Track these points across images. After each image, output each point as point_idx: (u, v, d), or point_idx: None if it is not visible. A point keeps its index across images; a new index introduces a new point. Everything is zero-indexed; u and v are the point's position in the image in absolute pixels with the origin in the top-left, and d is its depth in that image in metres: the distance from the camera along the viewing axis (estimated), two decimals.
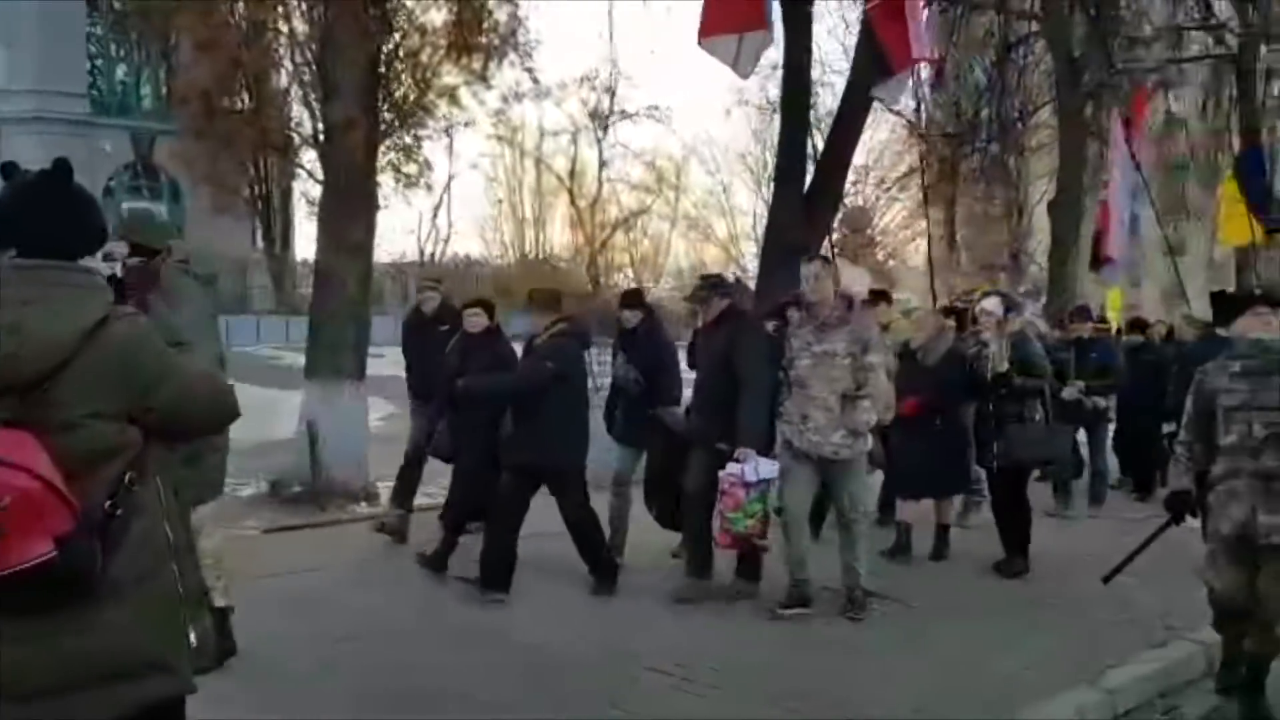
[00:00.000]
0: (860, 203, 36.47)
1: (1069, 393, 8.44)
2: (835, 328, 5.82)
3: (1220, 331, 5.57)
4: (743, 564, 6.27)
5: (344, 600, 6.18)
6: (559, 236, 40.98)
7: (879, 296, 8.52)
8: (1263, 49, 17.70)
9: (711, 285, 6.34)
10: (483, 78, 21.85)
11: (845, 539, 5.99)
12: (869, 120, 11.90)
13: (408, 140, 22.65)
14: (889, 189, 33.11)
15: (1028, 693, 4.73)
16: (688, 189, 39.22)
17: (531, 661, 5.13)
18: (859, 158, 32.03)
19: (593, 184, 36.58)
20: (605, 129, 33.54)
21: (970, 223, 32.04)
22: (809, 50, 11.33)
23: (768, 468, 5.82)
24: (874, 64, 10.17)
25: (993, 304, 7.23)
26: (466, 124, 22.15)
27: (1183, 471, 4.77)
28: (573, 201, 35.54)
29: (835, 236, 35.94)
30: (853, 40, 12.86)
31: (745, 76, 9.60)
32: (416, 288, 8.24)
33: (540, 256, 39.16)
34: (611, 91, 31.84)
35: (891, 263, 38.65)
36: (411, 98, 19.90)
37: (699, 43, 9.42)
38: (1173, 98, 20.26)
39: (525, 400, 6.11)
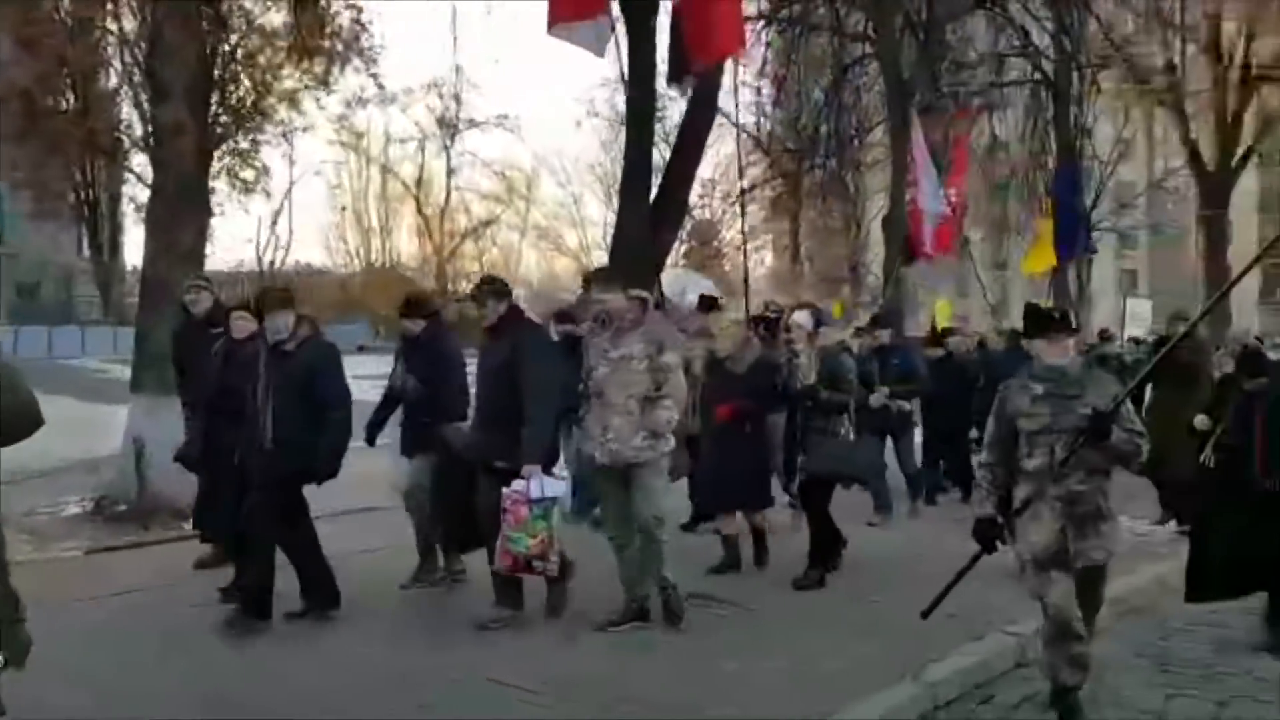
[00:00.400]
0: (707, 215, 37.22)
1: (875, 399, 8.51)
2: (629, 331, 5.69)
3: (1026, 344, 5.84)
4: (553, 585, 5.93)
5: (164, 620, 5.92)
6: (406, 245, 40.39)
7: (710, 304, 8.50)
8: (1075, 75, 18.93)
9: (490, 288, 5.88)
10: (325, 82, 21.30)
11: (646, 546, 5.73)
12: (716, 135, 12.16)
13: (245, 145, 21.83)
14: (734, 202, 33.77)
15: (856, 688, 4.89)
16: (538, 199, 39.27)
17: (362, 675, 5.03)
18: (706, 171, 32.79)
19: (441, 192, 36.24)
20: (453, 137, 33.32)
21: (813, 236, 33.08)
22: (653, 63, 11.53)
23: (553, 485, 5.59)
24: (674, 56, 10.16)
25: (803, 317, 7.21)
26: (305, 129, 21.49)
27: (985, 496, 4.66)
28: (420, 210, 35.09)
29: (683, 248, 36.62)
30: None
31: (601, 54, 9.53)
32: (184, 288, 7.55)
33: (386, 265, 38.48)
34: (456, 98, 31.63)
35: (736, 273, 39.55)
36: (250, 101, 19.23)
37: (549, 31, 9.35)
38: (997, 120, 21.37)
39: (287, 410, 5.69)
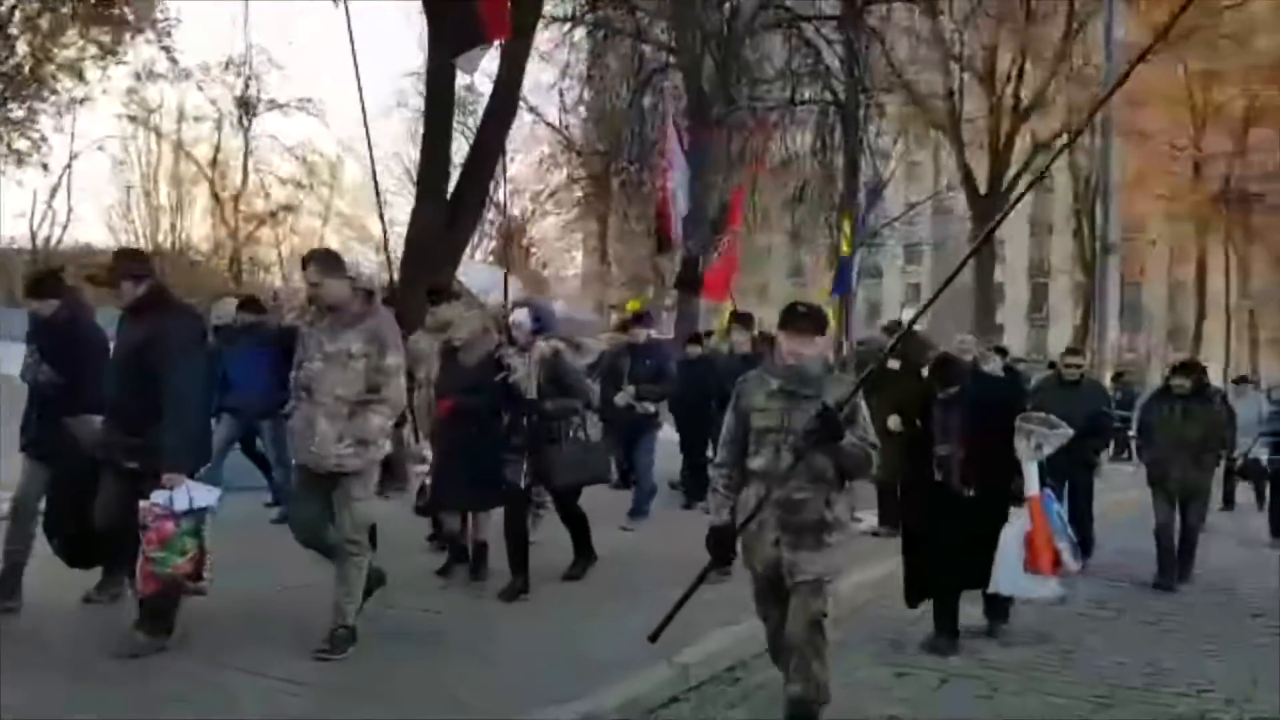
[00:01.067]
0: (517, 214, 37.25)
1: (621, 399, 8.36)
2: (350, 326, 5.11)
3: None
4: (146, 610, 5.00)
5: None
6: (199, 228, 38.51)
7: (439, 293, 7.67)
8: (861, 97, 20.02)
9: (125, 264, 5.10)
10: (112, 52, 20.25)
11: (339, 568, 5.18)
12: (527, 134, 12.28)
13: (20, 113, 20.47)
14: (544, 201, 33.91)
15: (613, 673, 5.03)
16: (342, 187, 38.24)
17: None
18: (517, 169, 32.77)
19: (238, 174, 34.84)
20: (252, 117, 32.18)
21: (621, 238, 33.62)
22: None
23: (204, 494, 4.94)
24: (458, 30, 10.15)
25: (522, 315, 6.74)
26: (84, 100, 20.35)
27: (721, 502, 4.30)
28: (214, 193, 33.56)
29: (492, 245, 36.48)
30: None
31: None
32: None
33: (177, 248, 36.52)
34: (250, 77, 30.51)
35: (546, 271, 39.77)
36: (27, 68, 18.03)
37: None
38: (792, 134, 22.27)
39: None
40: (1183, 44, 24.31)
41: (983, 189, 25.54)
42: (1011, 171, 25.78)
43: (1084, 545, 8.26)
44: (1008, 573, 6.00)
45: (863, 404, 4.22)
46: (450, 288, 8.08)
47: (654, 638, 4.34)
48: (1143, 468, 8.71)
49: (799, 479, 4.07)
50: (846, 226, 16.63)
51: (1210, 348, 32.49)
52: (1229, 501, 12.59)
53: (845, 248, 16.57)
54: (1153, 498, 8.32)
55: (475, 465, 6.46)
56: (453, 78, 11.70)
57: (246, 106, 32.16)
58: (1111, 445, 13.59)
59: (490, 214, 34.35)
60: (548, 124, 23.88)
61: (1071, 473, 8.07)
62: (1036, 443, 6.03)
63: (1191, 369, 8.48)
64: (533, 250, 38.46)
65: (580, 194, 28.96)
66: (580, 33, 19.40)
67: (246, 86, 30.33)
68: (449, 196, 11.66)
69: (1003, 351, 13.32)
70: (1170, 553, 8.16)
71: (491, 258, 33.28)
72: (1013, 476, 6.05)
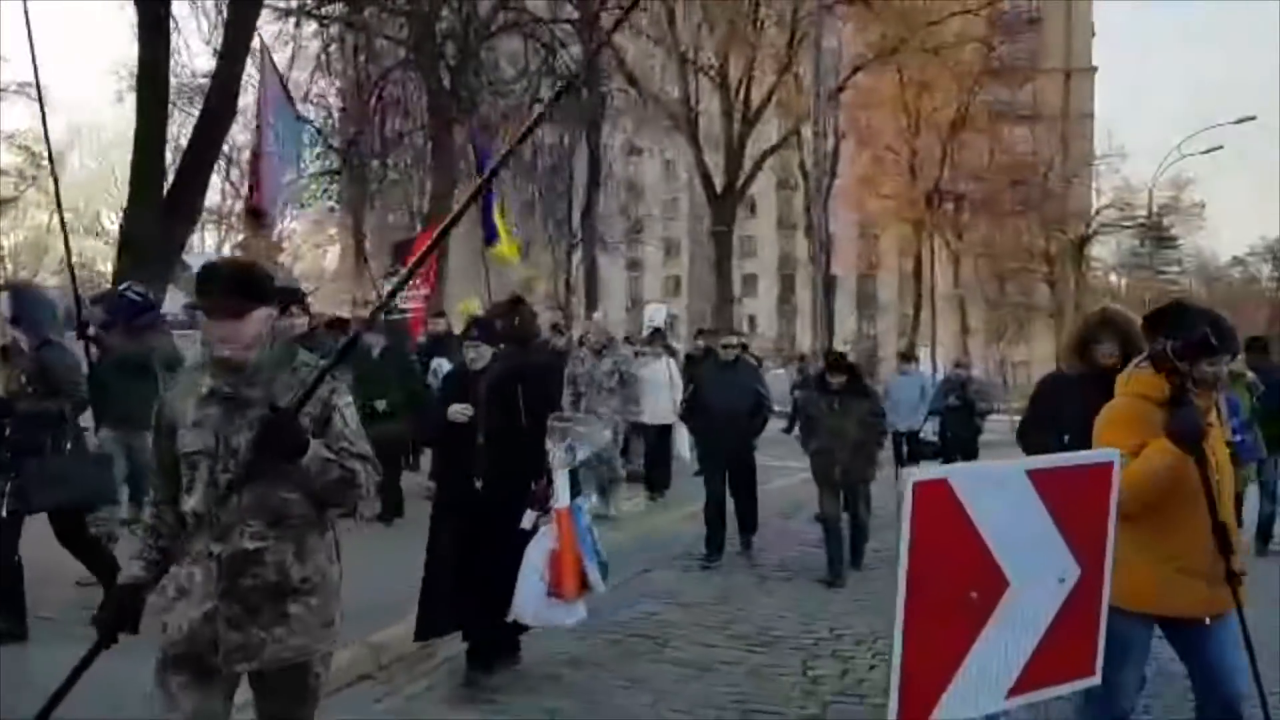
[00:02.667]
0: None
1: None
2: None
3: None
4: None
5: None
6: None
7: None
8: (600, 99, 20.75)
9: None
10: None
11: None
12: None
13: None
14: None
15: None
16: (72, 178, 35.83)
17: None
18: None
19: None
20: None
21: (378, 231, 33.12)
22: (166, 48, 11.34)
23: None
24: None
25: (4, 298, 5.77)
26: None
27: (140, 552, 2.91)
28: None
29: (240, 238, 34.97)
30: (219, 41, 12.90)
31: None
32: None
33: None
34: None
35: (299, 268, 38.59)
36: None
37: None
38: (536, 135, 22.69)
39: None
40: (895, 55, 26.44)
41: (719, 189, 26.81)
42: (745, 171, 27.21)
43: (746, 525, 8.75)
44: (530, 600, 5.16)
45: (348, 400, 2.95)
46: None
47: None
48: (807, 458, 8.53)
49: (251, 523, 2.78)
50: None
51: (928, 335, 35.44)
52: None
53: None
54: (819, 489, 8.34)
55: None
56: (166, 70, 11.48)
57: None
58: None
59: (238, 206, 33.16)
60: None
61: (733, 451, 8.48)
62: (569, 445, 5.12)
63: (844, 364, 8.48)
64: (283, 246, 37.26)
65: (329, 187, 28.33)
66: (311, 27, 19.09)
67: None
68: (165, 193, 11.44)
69: (706, 334, 14.08)
70: (838, 543, 8.16)
71: (239, 252, 31.94)
72: (536, 476, 5.20)
